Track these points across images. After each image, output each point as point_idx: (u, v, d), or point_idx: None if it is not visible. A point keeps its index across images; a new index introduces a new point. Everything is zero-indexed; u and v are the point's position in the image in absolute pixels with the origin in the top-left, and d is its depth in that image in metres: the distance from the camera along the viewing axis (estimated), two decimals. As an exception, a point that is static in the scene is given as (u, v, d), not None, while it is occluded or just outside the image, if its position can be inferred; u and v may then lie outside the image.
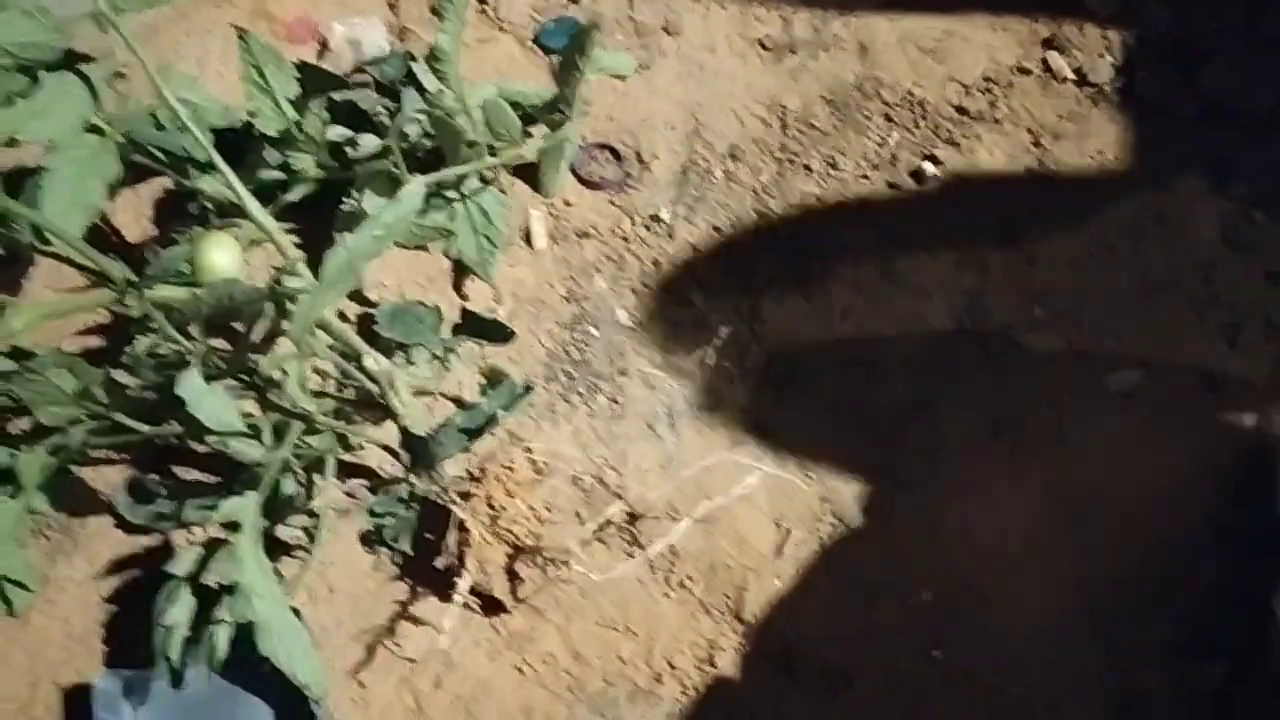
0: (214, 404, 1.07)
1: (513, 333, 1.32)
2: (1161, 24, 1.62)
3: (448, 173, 1.37)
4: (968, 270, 1.44)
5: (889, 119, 1.54)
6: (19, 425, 1.25)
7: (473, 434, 1.16)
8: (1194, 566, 1.27)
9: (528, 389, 1.15)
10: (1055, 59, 1.60)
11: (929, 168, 1.50)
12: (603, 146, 1.55)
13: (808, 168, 1.51)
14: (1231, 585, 1.26)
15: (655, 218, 1.50)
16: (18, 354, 1.18)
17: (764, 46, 1.61)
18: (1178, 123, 1.54)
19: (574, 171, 1.53)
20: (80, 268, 1.32)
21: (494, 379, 1.25)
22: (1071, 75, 1.58)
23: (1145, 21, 1.62)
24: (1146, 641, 1.24)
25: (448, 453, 1.15)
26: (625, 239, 1.49)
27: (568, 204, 1.51)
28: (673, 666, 1.24)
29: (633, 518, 1.26)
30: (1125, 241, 1.45)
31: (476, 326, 1.29)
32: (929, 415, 1.35)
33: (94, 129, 1.25)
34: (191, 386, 1.05)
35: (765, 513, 1.29)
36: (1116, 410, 1.36)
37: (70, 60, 1.21)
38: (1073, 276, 1.43)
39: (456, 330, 1.30)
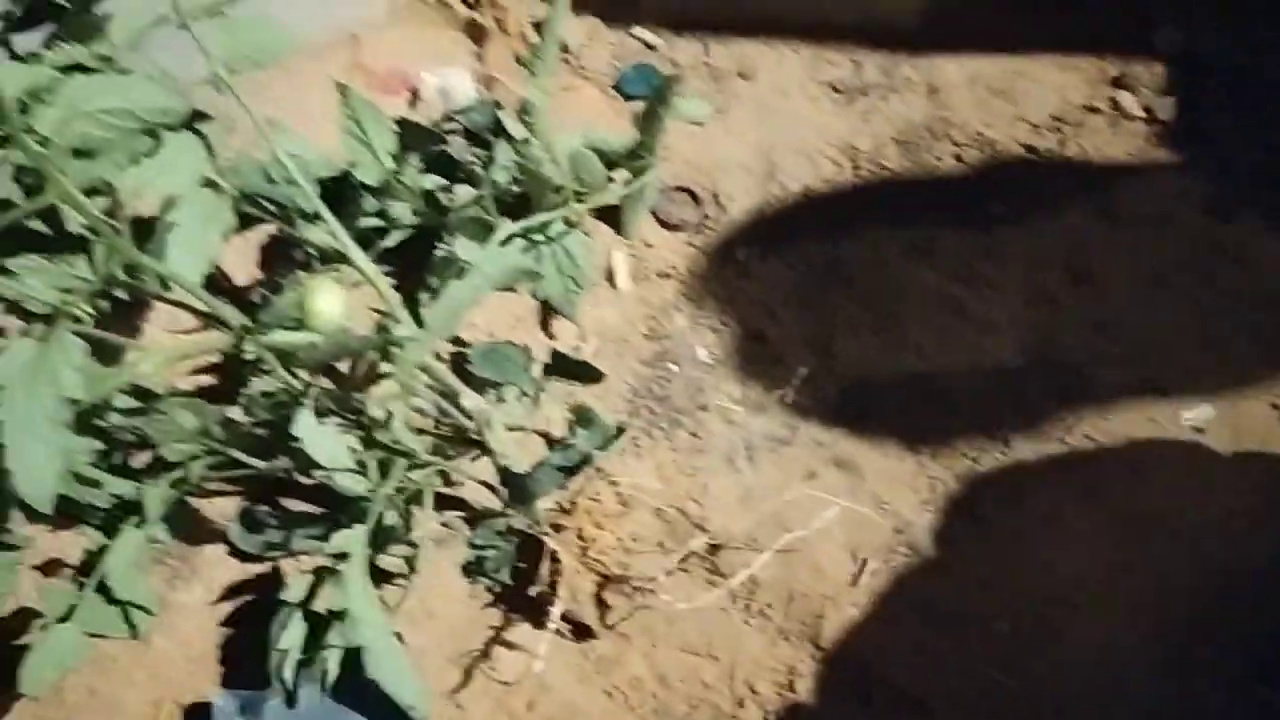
0: (326, 442, 1.14)
1: (601, 374, 1.38)
2: (1229, 61, 1.65)
3: (536, 219, 1.44)
4: (1038, 306, 1.47)
5: (959, 159, 1.59)
6: (140, 460, 1.34)
7: (568, 471, 1.22)
8: (1268, 598, 1.29)
9: (620, 430, 1.21)
10: (1124, 98, 1.63)
11: (998, 206, 1.55)
12: (681, 189, 1.61)
13: (879, 208, 1.56)
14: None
15: (732, 257, 1.56)
16: (143, 394, 1.27)
17: (835, 90, 1.67)
18: (1244, 159, 1.56)
19: (654, 214, 1.59)
20: (196, 312, 1.42)
21: (582, 416, 1.32)
22: (1140, 113, 1.62)
23: (1213, 59, 1.65)
24: (1221, 673, 1.26)
25: (545, 489, 1.21)
26: (703, 278, 1.55)
27: (648, 245, 1.57)
28: (754, 691, 1.28)
29: (714, 548, 1.31)
30: (1193, 276, 1.48)
31: (566, 366, 1.35)
32: (1002, 448, 1.39)
33: (209, 182, 1.33)
34: (306, 425, 1.13)
35: (842, 544, 1.34)
36: (1189, 443, 1.39)
37: (189, 120, 1.30)
38: (1142, 311, 1.46)
39: (546, 370, 1.37)
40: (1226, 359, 1.44)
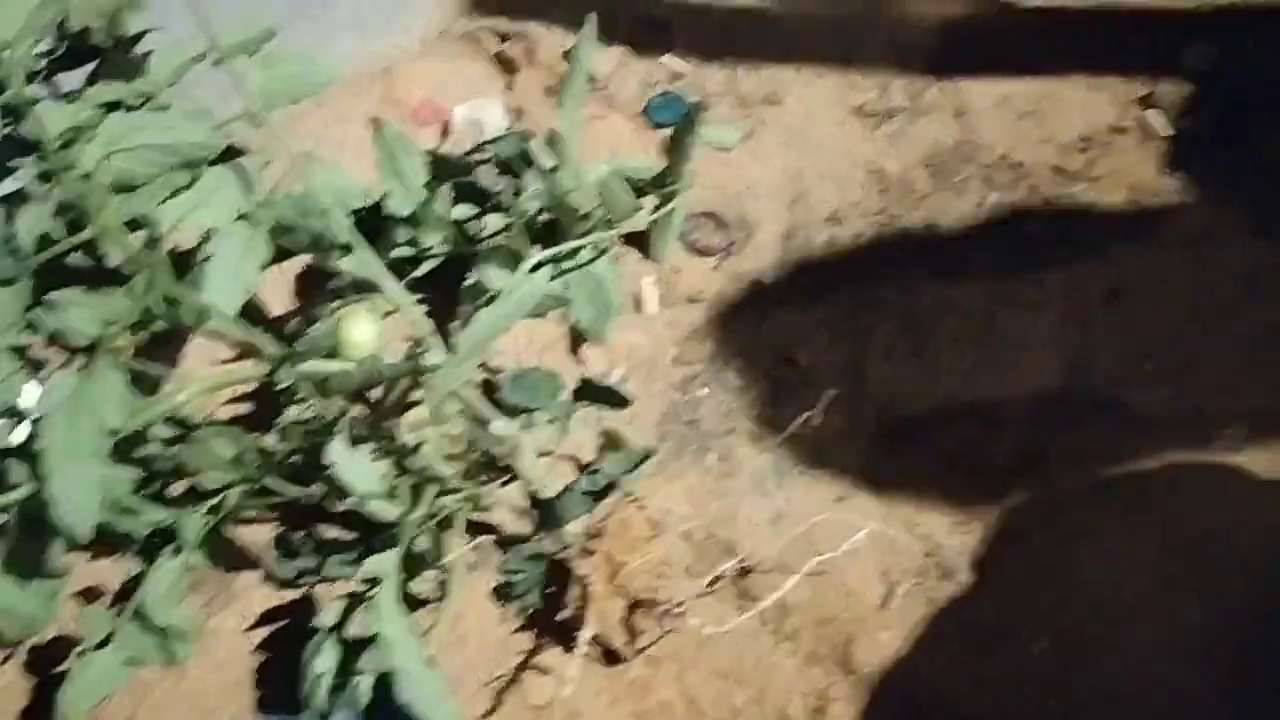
0: (358, 468, 1.16)
1: (631, 399, 1.38)
2: (1264, 79, 1.63)
3: (565, 246, 1.45)
4: (1075, 326, 1.46)
5: (987, 181, 1.58)
6: (177, 488, 1.36)
7: (597, 496, 1.23)
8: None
9: (648, 455, 1.22)
10: (1153, 117, 1.62)
11: (1029, 227, 1.54)
12: (709, 215, 1.62)
13: (908, 230, 1.56)
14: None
15: (761, 282, 1.56)
16: (180, 423, 1.29)
17: (863, 114, 1.67)
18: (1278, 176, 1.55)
19: (683, 240, 1.60)
20: (233, 342, 1.44)
21: (611, 441, 1.32)
22: (1170, 132, 1.61)
23: (1247, 76, 1.64)
24: (1271, 691, 1.23)
25: (574, 514, 1.22)
26: (732, 303, 1.55)
27: (677, 271, 1.59)
28: (786, 716, 1.28)
29: (744, 572, 1.31)
30: (1230, 295, 1.46)
31: (595, 392, 1.36)
32: (1039, 469, 1.38)
33: (246, 215, 1.36)
34: (339, 452, 1.15)
35: (873, 566, 1.33)
36: (1228, 463, 1.37)
37: (227, 154, 1.33)
38: (1180, 331, 1.44)
39: (576, 395, 1.38)
40: (1266, 379, 1.42)
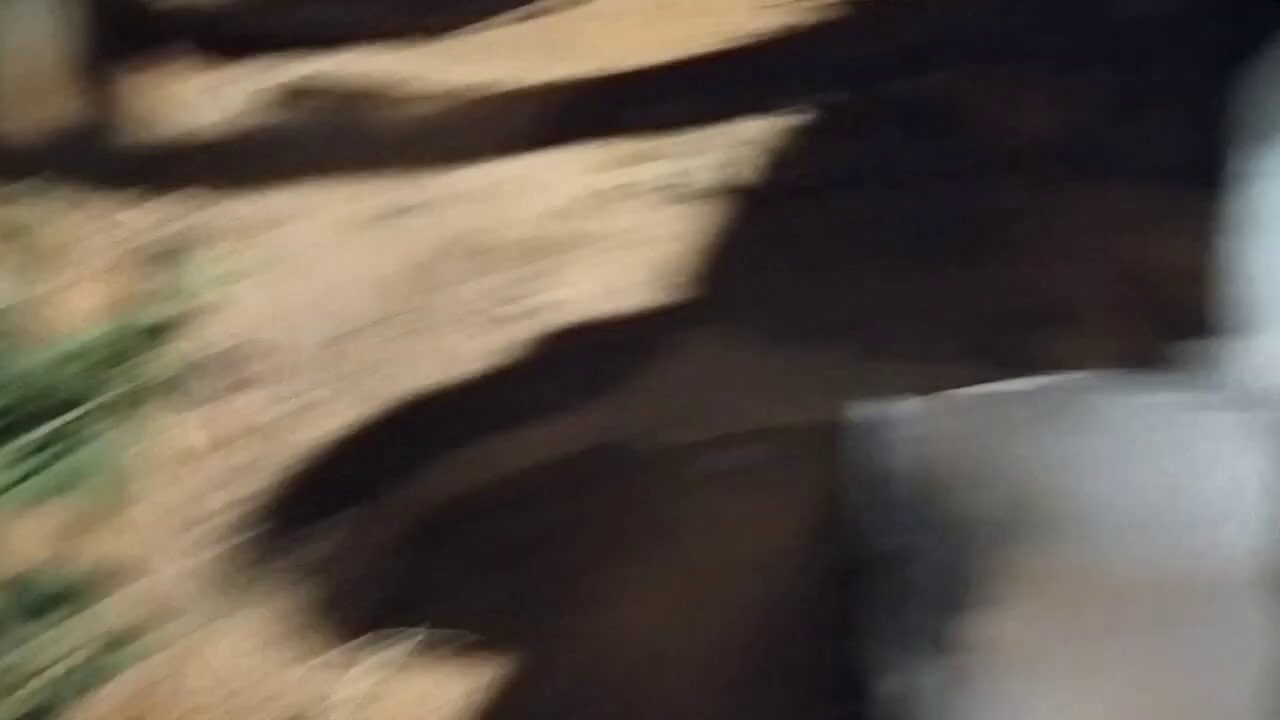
0: None
1: (148, 571, 1.33)
2: (736, 126, 1.77)
3: (57, 422, 1.38)
4: (577, 390, 1.52)
5: (486, 269, 1.64)
6: None
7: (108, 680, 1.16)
8: (824, 619, 1.35)
9: (145, 636, 1.17)
10: (637, 172, 1.72)
11: (533, 303, 1.60)
12: (230, 352, 1.59)
13: (423, 333, 1.59)
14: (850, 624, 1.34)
15: (299, 408, 1.54)
16: None
17: (364, 222, 1.69)
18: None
19: (201, 385, 1.56)
20: None
21: (119, 634, 1.26)
22: (656, 187, 1.71)
23: (728, 126, 1.77)
24: (792, 701, 1.31)
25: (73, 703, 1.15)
26: (265, 438, 1.52)
27: (203, 417, 1.54)
28: None
29: (292, 727, 1.28)
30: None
31: (98, 579, 1.30)
32: (566, 540, 1.41)
33: None
34: None
35: (420, 684, 1.32)
36: (743, 486, 1.45)
37: None
38: (672, 377, 1.53)
39: (85, 582, 1.31)
40: (767, 393, 1.52)
